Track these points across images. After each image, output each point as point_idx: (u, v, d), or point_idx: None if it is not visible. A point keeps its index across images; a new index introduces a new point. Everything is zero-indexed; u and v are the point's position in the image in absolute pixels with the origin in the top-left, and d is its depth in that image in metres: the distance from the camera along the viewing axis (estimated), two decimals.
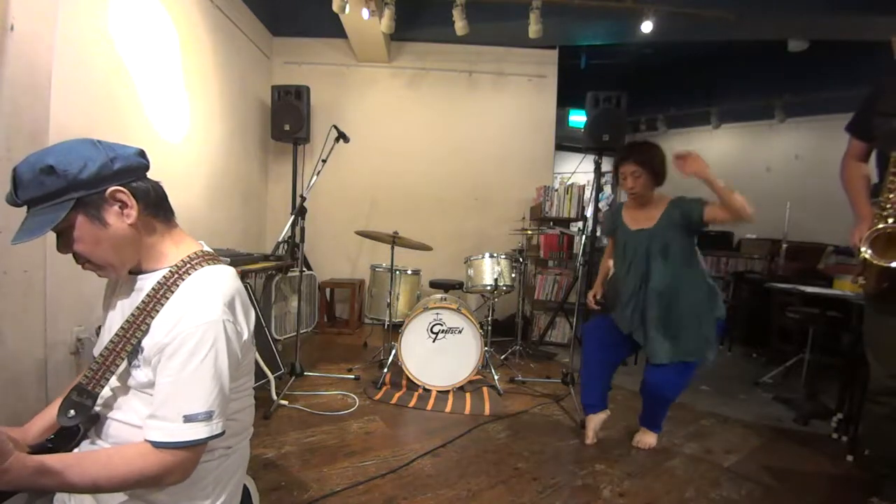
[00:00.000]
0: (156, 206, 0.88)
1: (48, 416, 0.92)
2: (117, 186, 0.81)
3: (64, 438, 0.83)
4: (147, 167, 0.88)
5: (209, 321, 0.79)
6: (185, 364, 0.77)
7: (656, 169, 2.00)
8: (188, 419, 0.76)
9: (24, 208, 0.80)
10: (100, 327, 0.96)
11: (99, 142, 0.82)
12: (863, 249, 1.41)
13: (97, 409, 0.86)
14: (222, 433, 0.81)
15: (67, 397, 0.82)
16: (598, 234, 3.89)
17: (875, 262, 1.38)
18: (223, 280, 0.86)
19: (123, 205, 0.82)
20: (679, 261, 1.97)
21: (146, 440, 0.77)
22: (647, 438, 2.16)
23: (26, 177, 0.76)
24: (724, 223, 1.87)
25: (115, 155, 0.82)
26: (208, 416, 0.78)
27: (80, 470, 0.72)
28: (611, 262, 2.31)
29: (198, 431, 0.77)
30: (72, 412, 0.81)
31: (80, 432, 0.84)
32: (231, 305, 0.84)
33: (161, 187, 0.91)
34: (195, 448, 0.78)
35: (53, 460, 0.72)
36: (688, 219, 1.93)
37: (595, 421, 2.18)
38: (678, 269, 1.97)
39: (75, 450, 0.86)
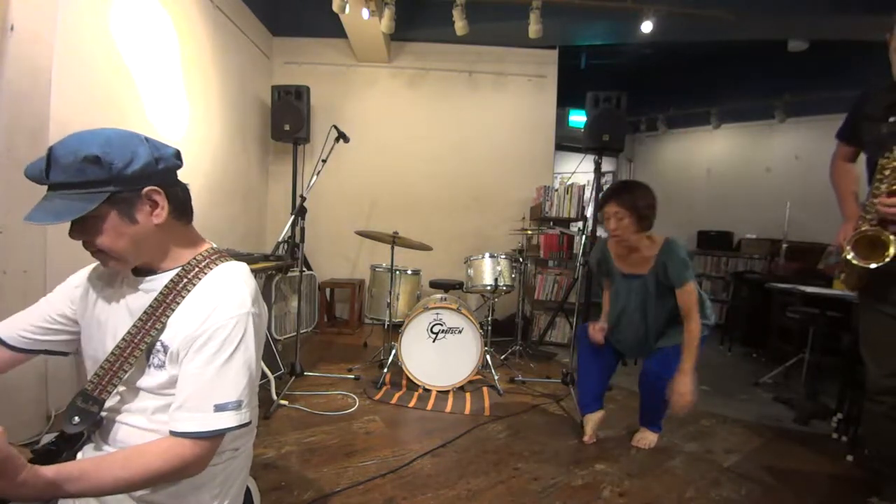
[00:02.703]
0: (182, 209, 0.88)
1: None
2: (155, 187, 0.81)
3: (67, 441, 0.82)
4: (180, 168, 0.88)
5: (241, 313, 0.82)
6: (217, 355, 0.78)
7: (642, 212, 1.90)
8: (219, 408, 0.77)
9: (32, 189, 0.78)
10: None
11: (147, 139, 0.82)
12: (846, 250, 1.47)
13: (104, 413, 0.85)
14: (249, 422, 0.82)
15: (72, 403, 0.81)
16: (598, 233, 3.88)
17: (856, 263, 1.44)
18: (246, 275, 0.89)
19: (155, 205, 0.82)
20: (674, 301, 1.97)
21: (174, 431, 0.77)
22: (648, 437, 2.16)
23: (65, 160, 0.74)
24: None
25: (161, 155, 0.82)
26: (238, 406, 0.79)
27: (98, 475, 0.72)
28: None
29: (228, 420, 0.78)
30: (76, 419, 0.80)
31: (84, 436, 0.84)
32: (256, 299, 0.87)
33: (188, 190, 0.91)
34: (216, 439, 0.79)
35: (69, 468, 0.72)
36: (669, 280, 1.95)
37: (593, 420, 2.18)
38: (674, 308, 1.98)
39: (79, 454, 0.85)
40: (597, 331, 2.15)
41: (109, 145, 0.75)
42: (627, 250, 2.04)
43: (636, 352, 2.19)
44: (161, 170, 0.81)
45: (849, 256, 1.45)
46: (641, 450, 2.13)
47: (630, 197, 1.91)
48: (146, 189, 0.80)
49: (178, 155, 0.87)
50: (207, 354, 0.78)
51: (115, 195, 0.77)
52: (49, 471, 0.69)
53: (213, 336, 0.78)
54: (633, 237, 1.95)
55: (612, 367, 2.25)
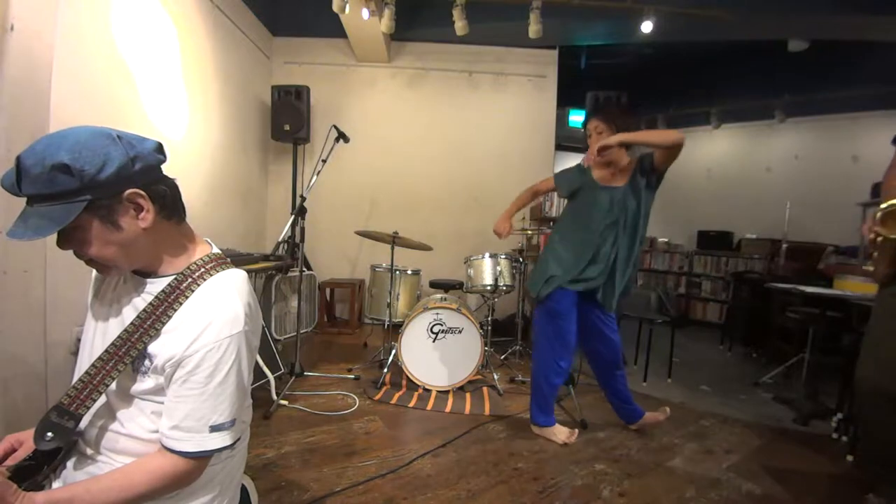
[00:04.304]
0: (171, 208, 0.83)
1: None
2: (136, 189, 0.75)
3: (45, 455, 0.80)
4: (164, 162, 0.82)
5: (233, 334, 0.78)
6: (212, 377, 0.77)
7: (620, 127, 1.97)
8: (215, 429, 0.77)
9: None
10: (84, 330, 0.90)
11: (119, 136, 0.74)
12: (878, 216, 1.37)
13: (100, 421, 0.83)
14: (240, 438, 0.82)
15: (46, 418, 0.77)
16: None
17: (886, 234, 1.36)
18: (241, 288, 0.84)
19: (139, 208, 0.77)
20: (641, 220, 2.02)
21: (170, 449, 0.76)
22: (655, 414, 2.23)
23: (34, 171, 0.68)
24: (668, 160, 1.94)
25: (137, 154, 0.75)
26: (232, 424, 0.80)
27: (90, 498, 0.72)
28: (530, 198, 2.38)
29: (224, 439, 0.79)
30: (49, 435, 0.76)
31: (62, 450, 0.82)
32: (250, 315, 0.83)
33: (176, 186, 0.85)
34: (210, 457, 0.80)
35: (61, 493, 0.72)
36: (646, 169, 2.00)
37: (564, 432, 2.17)
38: (640, 229, 2.02)
39: (68, 463, 0.84)
40: (503, 227, 2.27)
41: (78, 150, 0.69)
42: (606, 165, 2.06)
43: (602, 280, 2.06)
44: (139, 170, 0.75)
45: (879, 214, 1.36)
46: (642, 449, 2.13)
47: (609, 113, 2.01)
48: (126, 192, 0.75)
49: (159, 148, 0.81)
50: (202, 376, 0.76)
51: (92, 203, 0.72)
52: (41, 498, 0.69)
53: (205, 358, 0.76)
54: (615, 153, 2.00)
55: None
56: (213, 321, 0.78)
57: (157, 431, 0.79)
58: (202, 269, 0.84)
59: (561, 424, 2.22)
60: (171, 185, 0.84)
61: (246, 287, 0.86)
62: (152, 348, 0.79)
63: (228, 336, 0.78)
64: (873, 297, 2.52)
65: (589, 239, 2.04)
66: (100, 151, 0.71)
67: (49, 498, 0.70)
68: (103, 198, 0.73)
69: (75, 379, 0.83)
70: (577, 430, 2.18)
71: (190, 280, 0.82)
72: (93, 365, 0.79)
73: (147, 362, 0.80)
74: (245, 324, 0.80)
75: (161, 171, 0.83)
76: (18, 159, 0.70)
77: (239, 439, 0.83)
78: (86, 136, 0.72)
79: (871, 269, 1.49)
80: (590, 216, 2.06)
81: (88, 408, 0.78)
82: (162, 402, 0.80)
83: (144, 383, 0.80)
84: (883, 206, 1.38)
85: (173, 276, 0.82)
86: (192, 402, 0.76)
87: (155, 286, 0.83)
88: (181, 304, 0.80)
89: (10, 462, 0.83)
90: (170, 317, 0.79)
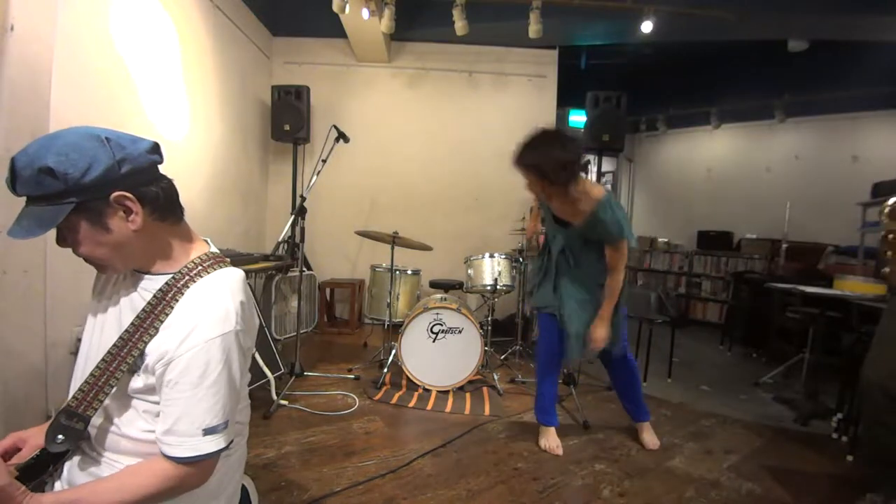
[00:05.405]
0: (164, 210, 0.82)
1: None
2: (122, 192, 0.75)
3: (51, 454, 0.81)
4: (159, 162, 0.82)
5: (223, 334, 0.77)
6: (202, 379, 0.76)
7: (550, 176, 1.68)
8: (208, 432, 0.76)
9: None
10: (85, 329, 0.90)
11: (108, 139, 0.74)
12: (886, 211, 1.34)
13: (98, 421, 0.83)
14: (233, 440, 0.82)
15: (56, 421, 0.77)
16: None
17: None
18: (234, 288, 0.83)
19: (128, 210, 0.77)
20: (596, 254, 1.94)
21: (169, 456, 0.76)
22: (649, 433, 2.18)
23: (25, 173, 0.70)
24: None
25: (124, 156, 0.75)
26: (225, 426, 0.79)
27: (96, 499, 0.73)
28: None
29: (218, 442, 0.78)
30: (60, 437, 0.77)
31: (69, 451, 0.82)
32: (242, 315, 0.81)
33: (172, 187, 0.85)
34: (209, 461, 0.79)
35: (67, 495, 0.73)
36: (601, 238, 1.87)
37: (554, 434, 2.14)
38: (595, 262, 1.95)
39: (66, 464, 0.84)
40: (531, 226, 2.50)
41: (65, 153, 0.70)
42: (560, 201, 1.87)
43: (555, 304, 2.07)
44: (126, 172, 0.75)
45: (887, 210, 1.33)
46: (641, 450, 2.13)
47: (533, 156, 1.69)
48: (114, 195, 0.74)
49: (153, 149, 0.80)
50: (192, 379, 0.75)
51: (80, 205, 0.73)
52: (47, 501, 0.70)
53: (195, 358, 0.75)
54: (556, 195, 1.81)
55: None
56: (202, 320, 0.77)
57: (150, 431, 0.79)
58: (198, 268, 0.83)
59: (563, 425, 2.21)
60: (166, 186, 0.83)
61: (240, 286, 0.85)
62: (149, 347, 0.79)
63: (219, 336, 0.77)
64: (873, 297, 2.53)
65: (545, 264, 2.14)
66: (86, 154, 0.71)
67: (57, 499, 0.71)
68: (89, 200, 0.73)
69: (75, 377, 0.83)
70: (560, 448, 2.09)
71: (186, 279, 0.81)
72: (97, 367, 0.79)
73: (140, 361, 0.80)
74: (236, 323, 0.79)
75: (156, 172, 0.82)
76: (12, 161, 0.71)
77: (232, 441, 0.82)
78: (75, 139, 0.72)
79: (886, 270, 1.43)
80: (550, 242, 2.13)
81: (96, 409, 0.78)
82: (153, 402, 0.80)
83: (136, 382, 0.80)
84: (890, 201, 1.36)
85: (170, 276, 0.82)
86: (184, 404, 0.76)
87: (153, 283, 0.83)
88: (177, 301, 0.80)
89: (16, 461, 0.84)
90: (167, 315, 0.79)
